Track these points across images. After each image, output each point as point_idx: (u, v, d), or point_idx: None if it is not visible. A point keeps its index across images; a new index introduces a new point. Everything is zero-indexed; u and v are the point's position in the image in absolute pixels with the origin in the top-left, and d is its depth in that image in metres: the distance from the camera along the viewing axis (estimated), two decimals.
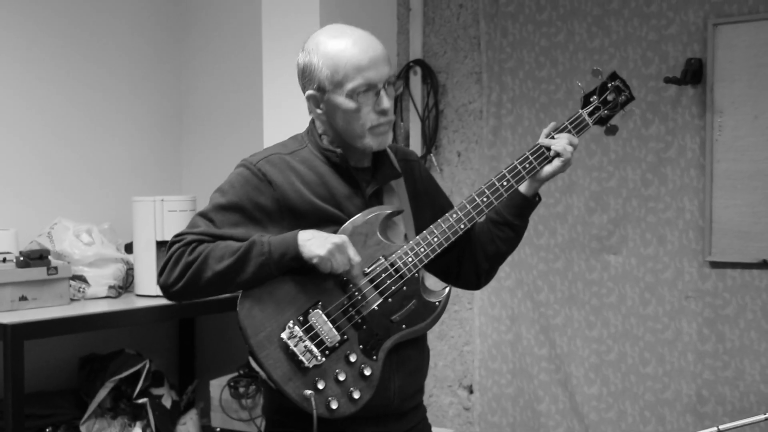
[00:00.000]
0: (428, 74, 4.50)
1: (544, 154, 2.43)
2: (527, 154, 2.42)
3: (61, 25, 4.48)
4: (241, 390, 4.36)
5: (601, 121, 2.49)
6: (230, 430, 4.40)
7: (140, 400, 4.23)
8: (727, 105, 3.76)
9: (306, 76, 2.38)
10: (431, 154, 4.50)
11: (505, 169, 2.41)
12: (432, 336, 4.58)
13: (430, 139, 4.50)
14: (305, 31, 2.53)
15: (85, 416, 4.10)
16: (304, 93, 2.41)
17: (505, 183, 2.41)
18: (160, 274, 2.35)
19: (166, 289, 2.34)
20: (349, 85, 2.32)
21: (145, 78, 4.87)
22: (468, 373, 4.49)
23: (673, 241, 3.93)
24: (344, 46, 2.34)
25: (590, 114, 2.48)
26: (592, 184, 4.10)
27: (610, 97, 2.50)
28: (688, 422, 3.89)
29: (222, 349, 4.84)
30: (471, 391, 4.48)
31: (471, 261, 2.56)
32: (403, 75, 4.53)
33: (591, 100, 2.49)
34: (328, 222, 2.34)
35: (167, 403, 4.34)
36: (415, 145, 4.53)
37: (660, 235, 3.96)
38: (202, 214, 2.37)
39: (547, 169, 2.43)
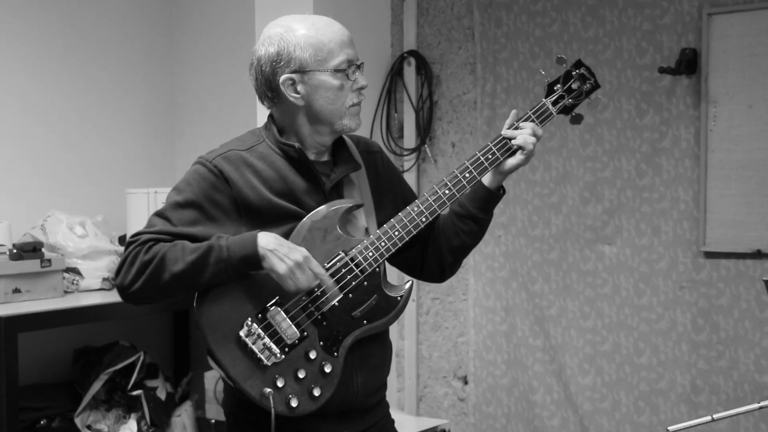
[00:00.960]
0: (422, 65, 4.49)
1: (507, 146, 2.38)
2: (490, 145, 2.38)
3: (52, 19, 4.47)
4: None
5: (566, 110, 2.44)
6: (225, 422, 4.39)
7: (135, 392, 4.23)
8: (722, 95, 3.76)
9: (280, 62, 2.32)
10: (425, 145, 4.49)
11: (468, 161, 2.37)
12: (426, 327, 4.58)
13: (425, 130, 4.49)
14: None
15: (80, 408, 4.10)
16: (274, 79, 2.34)
17: (467, 175, 2.37)
18: (116, 275, 2.29)
19: (123, 290, 2.27)
20: (334, 61, 2.31)
21: (138, 70, 4.86)
22: (463, 364, 4.49)
23: (668, 231, 3.93)
24: (321, 27, 2.33)
25: (554, 103, 2.43)
26: (587, 174, 4.10)
27: (574, 86, 2.43)
28: (683, 412, 3.90)
29: None
30: (466, 382, 4.48)
31: (435, 254, 2.52)
32: (397, 66, 4.52)
33: (555, 88, 2.44)
34: (287, 218, 2.30)
35: (162, 395, 4.34)
36: (410, 136, 4.52)
37: (654, 226, 3.96)
38: (159, 213, 2.32)
39: (510, 161, 2.38)
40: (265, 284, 2.27)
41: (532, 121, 2.40)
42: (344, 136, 2.46)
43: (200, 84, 4.95)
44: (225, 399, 2.48)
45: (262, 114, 4.16)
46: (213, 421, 4.42)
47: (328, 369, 2.29)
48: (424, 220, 2.35)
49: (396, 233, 2.33)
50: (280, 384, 2.26)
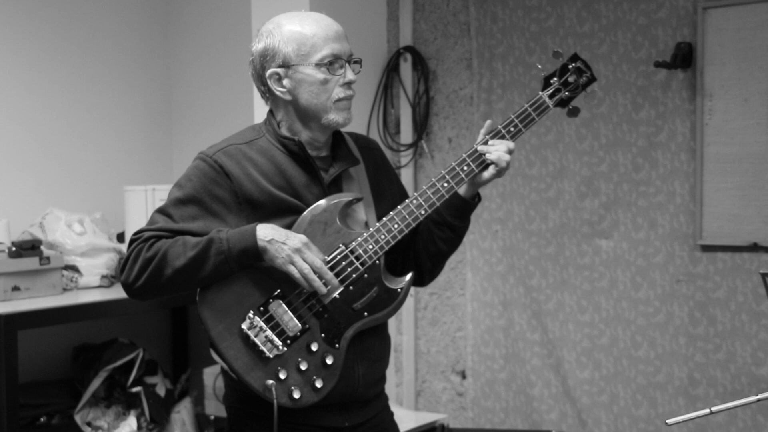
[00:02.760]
0: (419, 61, 4.50)
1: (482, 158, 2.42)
2: (481, 140, 2.43)
3: (51, 16, 4.47)
4: None
5: (562, 103, 2.47)
6: (224, 418, 4.39)
7: (134, 389, 4.24)
8: (717, 88, 3.77)
9: (266, 57, 2.37)
10: (422, 141, 4.50)
11: (465, 154, 2.41)
12: (425, 322, 4.59)
13: (421, 126, 4.50)
14: None
15: (80, 405, 4.11)
16: (264, 74, 2.38)
17: (465, 168, 2.40)
18: (120, 272, 2.34)
19: (128, 287, 2.33)
20: (317, 55, 2.34)
21: (135, 67, 4.86)
22: (461, 358, 4.50)
23: (664, 224, 3.94)
24: (308, 23, 2.37)
25: (550, 96, 2.45)
26: (583, 168, 4.11)
27: (570, 79, 2.46)
28: (680, 405, 3.91)
29: None
30: (464, 377, 4.49)
31: (414, 259, 2.54)
32: (394, 62, 4.53)
33: (551, 81, 2.46)
34: (287, 212, 2.34)
35: (161, 391, 4.34)
36: (406, 132, 4.53)
37: (651, 219, 3.97)
38: (160, 210, 2.36)
39: (485, 175, 2.41)
40: (267, 277, 2.30)
41: (516, 125, 2.43)
42: (343, 134, 2.49)
43: (197, 80, 4.96)
44: (226, 394, 2.50)
45: (259, 110, 4.16)
46: (212, 417, 4.43)
47: (329, 361, 2.32)
48: (423, 212, 2.38)
49: (395, 226, 2.36)
50: (282, 376, 2.30)
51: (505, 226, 4.32)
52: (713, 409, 2.46)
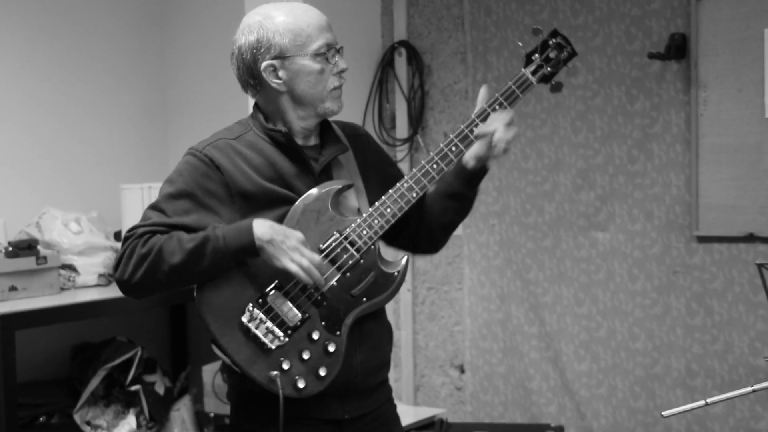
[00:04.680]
0: (413, 55, 4.50)
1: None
2: (476, 120, 2.42)
3: (45, 15, 4.46)
4: None
5: (545, 79, 2.47)
6: (224, 415, 4.40)
7: (133, 388, 4.24)
8: (711, 79, 3.76)
9: (260, 49, 2.37)
10: (418, 135, 4.50)
11: (453, 134, 2.41)
12: (422, 317, 4.60)
13: (417, 120, 4.50)
14: None
15: (79, 405, 4.11)
16: (256, 66, 2.39)
17: (453, 149, 2.40)
18: (115, 269, 2.33)
19: (123, 284, 2.32)
20: (314, 45, 2.35)
21: (130, 65, 4.85)
22: (459, 352, 4.50)
23: (660, 216, 3.94)
24: (300, 13, 2.38)
25: (533, 72, 2.45)
26: (579, 161, 4.11)
27: (552, 55, 2.46)
28: (678, 396, 3.91)
29: None
30: (462, 371, 4.49)
31: (425, 233, 2.55)
32: (388, 57, 4.53)
33: (533, 58, 2.46)
34: (279, 203, 2.34)
35: (160, 389, 4.34)
36: (402, 127, 4.53)
37: (647, 211, 3.97)
38: (153, 206, 2.36)
39: (488, 153, 2.41)
40: (264, 269, 2.30)
41: (505, 98, 2.41)
42: (331, 123, 2.50)
43: (192, 77, 4.95)
44: (228, 389, 2.51)
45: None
46: (212, 414, 4.43)
47: (332, 348, 2.33)
48: (414, 195, 2.38)
49: (388, 210, 2.36)
50: (286, 366, 2.30)
51: (501, 220, 4.32)
52: (709, 400, 2.47)
